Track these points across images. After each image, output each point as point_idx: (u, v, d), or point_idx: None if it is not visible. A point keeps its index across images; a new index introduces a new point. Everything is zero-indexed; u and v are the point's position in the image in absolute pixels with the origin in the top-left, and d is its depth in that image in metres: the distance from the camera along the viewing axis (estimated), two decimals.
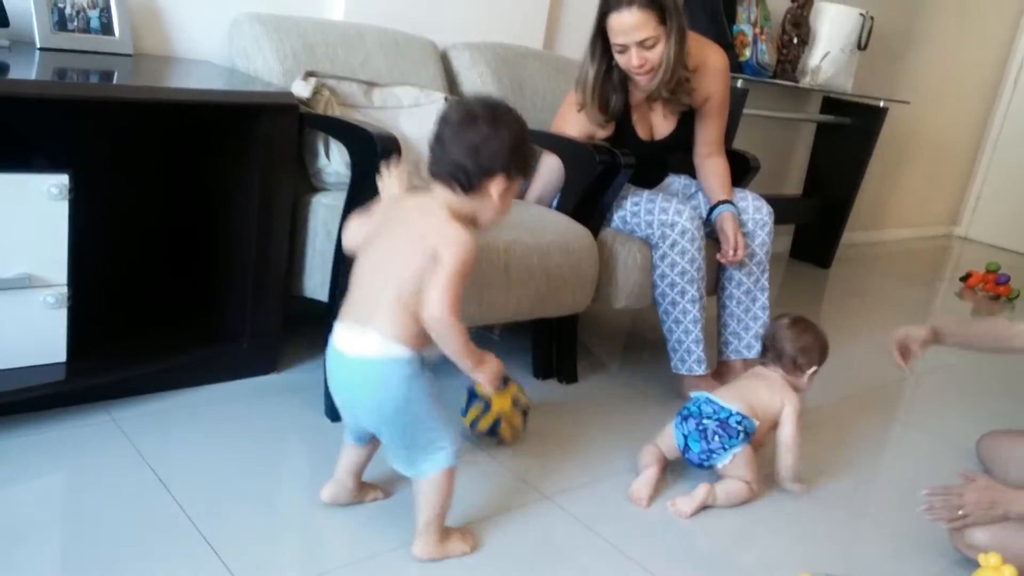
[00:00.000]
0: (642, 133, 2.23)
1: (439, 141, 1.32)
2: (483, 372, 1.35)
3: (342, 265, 1.75)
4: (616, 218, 2.20)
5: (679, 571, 1.47)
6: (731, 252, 2.13)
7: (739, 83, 3.21)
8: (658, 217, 2.10)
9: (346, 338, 1.32)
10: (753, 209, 2.25)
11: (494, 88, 2.41)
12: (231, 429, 1.70)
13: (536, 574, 1.41)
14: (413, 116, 2.11)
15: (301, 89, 1.90)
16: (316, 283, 1.89)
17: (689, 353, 2.14)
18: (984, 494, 1.55)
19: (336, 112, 1.95)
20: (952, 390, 2.60)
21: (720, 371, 2.25)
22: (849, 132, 3.96)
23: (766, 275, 2.25)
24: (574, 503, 1.64)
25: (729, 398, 1.77)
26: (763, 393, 1.80)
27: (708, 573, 1.50)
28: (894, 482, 2.01)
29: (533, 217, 2.02)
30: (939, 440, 2.26)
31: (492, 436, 1.77)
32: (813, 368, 1.84)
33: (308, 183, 1.98)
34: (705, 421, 1.74)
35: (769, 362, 1.87)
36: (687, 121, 2.26)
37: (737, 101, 3.19)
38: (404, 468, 1.38)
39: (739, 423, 1.72)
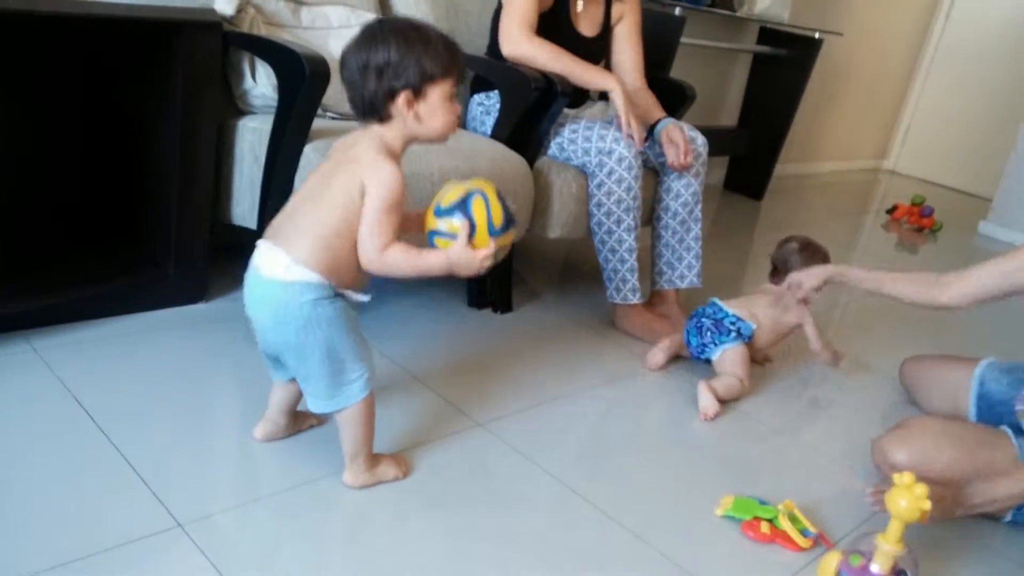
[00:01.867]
0: (576, 25, 2.23)
1: (343, 84, 1.29)
2: (461, 268, 1.29)
3: (271, 191, 1.70)
4: (553, 145, 2.18)
5: (612, 495, 1.52)
6: (683, 156, 2.14)
7: (677, 11, 3.18)
8: (595, 145, 2.09)
9: (262, 258, 1.28)
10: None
11: (427, 10, 2.33)
12: (158, 359, 1.67)
13: (469, 499, 1.43)
14: (343, 37, 2.02)
15: (225, 5, 1.81)
16: (244, 210, 1.84)
17: (624, 282, 2.16)
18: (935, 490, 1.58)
19: (262, 31, 1.87)
20: (874, 318, 2.70)
21: (653, 301, 2.29)
22: (784, 63, 3.99)
23: (699, 206, 2.27)
24: (507, 430, 1.66)
25: (732, 304, 2.04)
26: (769, 306, 2.05)
27: (639, 495, 1.54)
28: (820, 408, 2.10)
29: (466, 145, 1.98)
30: (863, 367, 2.35)
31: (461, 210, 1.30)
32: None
33: (234, 106, 1.90)
34: (703, 319, 2.01)
35: (779, 283, 2.07)
36: (607, 33, 2.30)
37: (674, 29, 3.17)
38: (315, 404, 1.32)
39: (733, 324, 1.99)
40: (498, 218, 1.29)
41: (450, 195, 1.29)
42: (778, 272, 2.12)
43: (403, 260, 1.26)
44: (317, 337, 1.26)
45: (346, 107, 1.98)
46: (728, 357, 1.98)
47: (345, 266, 1.27)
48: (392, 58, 1.23)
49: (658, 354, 2.06)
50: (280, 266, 1.24)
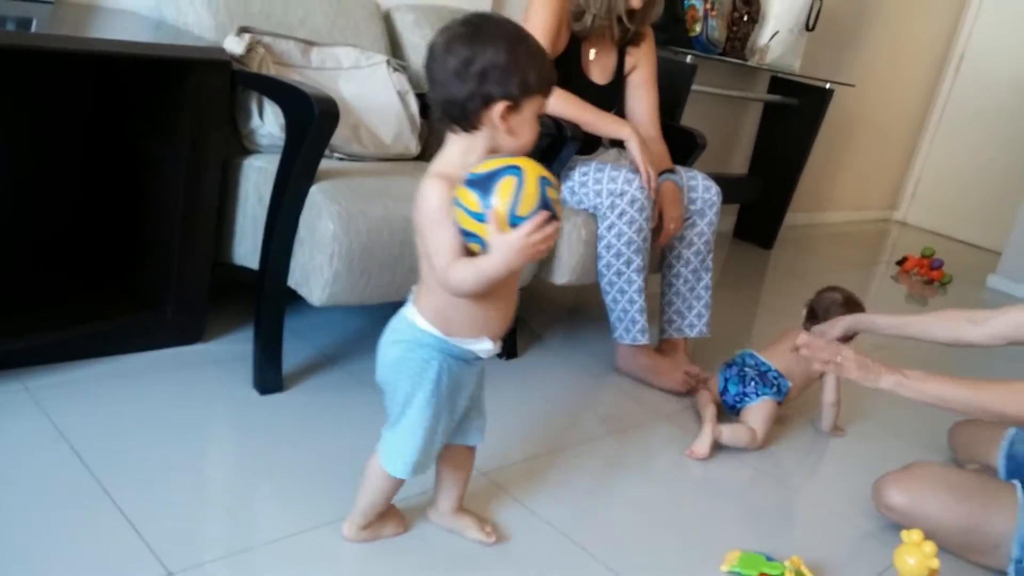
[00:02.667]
0: (588, 72, 2.23)
1: (428, 79, 1.15)
2: (511, 258, 1.08)
3: (275, 232, 1.67)
4: (564, 189, 2.16)
5: (616, 549, 1.46)
6: (670, 226, 2.11)
7: (688, 59, 3.19)
8: (607, 186, 2.07)
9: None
10: (703, 188, 2.24)
11: None
12: (153, 400, 1.62)
13: (469, 552, 1.38)
14: (353, 78, 2.03)
15: (234, 45, 1.81)
16: (247, 250, 1.81)
17: (633, 323, 2.12)
18: (862, 357, 1.66)
19: (271, 71, 1.86)
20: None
21: (662, 349, 2.24)
22: (795, 113, 3.99)
23: (711, 255, 2.24)
24: (511, 480, 1.61)
25: (771, 357, 2.03)
26: (802, 359, 1.94)
27: (643, 550, 1.48)
28: (831, 461, 2.03)
29: None
30: (879, 425, 2.29)
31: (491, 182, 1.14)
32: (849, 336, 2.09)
33: (240, 145, 1.88)
34: (746, 369, 2.01)
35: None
36: (619, 81, 2.30)
37: (685, 77, 3.17)
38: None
39: (776, 379, 1.99)
40: (527, 205, 1.07)
41: (484, 166, 1.10)
42: (815, 319, 2.16)
43: (467, 273, 1.12)
44: (392, 381, 1.23)
45: (354, 148, 1.99)
46: (761, 410, 1.97)
47: (450, 306, 1.18)
48: (499, 61, 1.09)
49: (703, 446, 1.86)
50: (409, 303, 1.24)
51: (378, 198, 1.69)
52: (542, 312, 2.63)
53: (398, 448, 1.25)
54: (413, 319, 1.20)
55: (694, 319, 2.23)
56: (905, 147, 5.68)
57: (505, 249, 1.07)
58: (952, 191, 5.65)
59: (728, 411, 2.04)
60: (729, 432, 1.90)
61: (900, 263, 4.31)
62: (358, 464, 1.53)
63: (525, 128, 1.16)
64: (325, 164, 1.78)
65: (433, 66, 1.13)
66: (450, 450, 1.34)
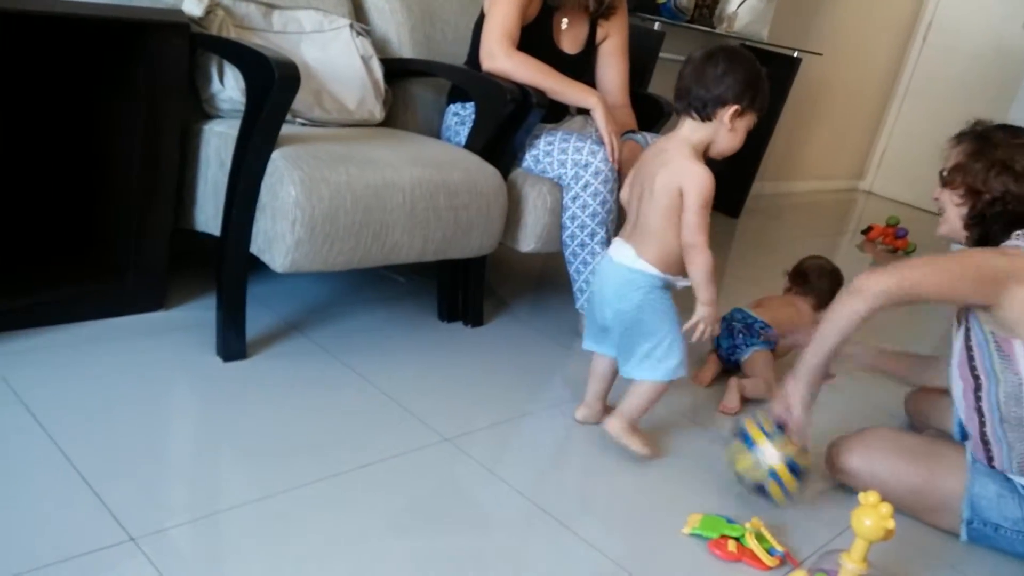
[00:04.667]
0: (559, 42, 2.23)
1: (682, 79, 1.59)
2: (708, 309, 1.59)
3: (236, 198, 1.66)
4: (528, 157, 2.15)
5: (579, 512, 1.48)
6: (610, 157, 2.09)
7: (656, 26, 3.18)
8: (572, 157, 2.07)
9: (615, 250, 1.66)
10: None
11: (403, 18, 2.31)
12: (114, 367, 1.61)
13: (434, 517, 1.39)
14: (315, 42, 2.01)
15: (193, 7, 1.77)
16: (208, 216, 1.80)
17: None
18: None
19: (231, 34, 1.83)
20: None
21: None
22: None
23: None
24: (475, 445, 1.62)
25: (758, 311, 2.19)
26: (791, 314, 2.21)
27: (607, 514, 1.51)
28: None
29: (440, 155, 1.95)
30: (836, 392, 2.34)
31: (760, 493, 1.59)
32: (828, 294, 2.28)
33: (201, 109, 1.86)
34: (733, 323, 2.15)
35: (800, 294, 2.30)
36: (590, 51, 2.31)
37: (653, 44, 3.16)
38: (624, 369, 1.66)
39: (762, 328, 2.12)
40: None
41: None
42: (801, 283, 2.31)
43: (707, 255, 1.56)
44: (644, 318, 1.60)
45: (317, 114, 1.97)
46: (760, 359, 2.11)
47: (672, 255, 1.60)
48: (740, 76, 1.55)
49: (706, 374, 2.13)
50: (628, 257, 1.62)
51: (341, 164, 1.68)
52: (510, 280, 2.64)
53: (671, 359, 1.62)
54: (643, 268, 1.61)
55: None
56: (872, 117, 5.73)
57: (713, 306, 1.60)
58: (917, 161, 5.71)
59: (728, 365, 2.17)
60: (750, 385, 2.05)
61: (865, 232, 4.37)
62: (322, 429, 1.55)
63: (738, 134, 1.60)
64: (287, 129, 1.77)
65: (690, 71, 1.58)
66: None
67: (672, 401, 1.94)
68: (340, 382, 1.74)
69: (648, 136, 2.26)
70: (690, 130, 1.60)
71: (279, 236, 1.61)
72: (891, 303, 1.47)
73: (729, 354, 2.15)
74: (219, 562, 1.20)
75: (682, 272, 1.62)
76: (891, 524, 1.21)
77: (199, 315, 1.84)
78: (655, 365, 1.63)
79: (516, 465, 1.60)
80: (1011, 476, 1.57)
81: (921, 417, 2.05)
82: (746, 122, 1.60)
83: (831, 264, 2.38)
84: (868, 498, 1.23)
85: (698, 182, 1.54)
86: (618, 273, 1.63)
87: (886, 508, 1.22)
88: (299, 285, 2.17)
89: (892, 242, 4.24)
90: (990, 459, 1.59)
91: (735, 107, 1.56)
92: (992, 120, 1.67)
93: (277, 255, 1.63)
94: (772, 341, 2.15)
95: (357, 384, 1.75)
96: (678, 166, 1.56)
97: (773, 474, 1.54)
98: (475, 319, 2.18)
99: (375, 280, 2.31)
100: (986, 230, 1.60)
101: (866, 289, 1.47)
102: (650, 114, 2.49)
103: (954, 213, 1.63)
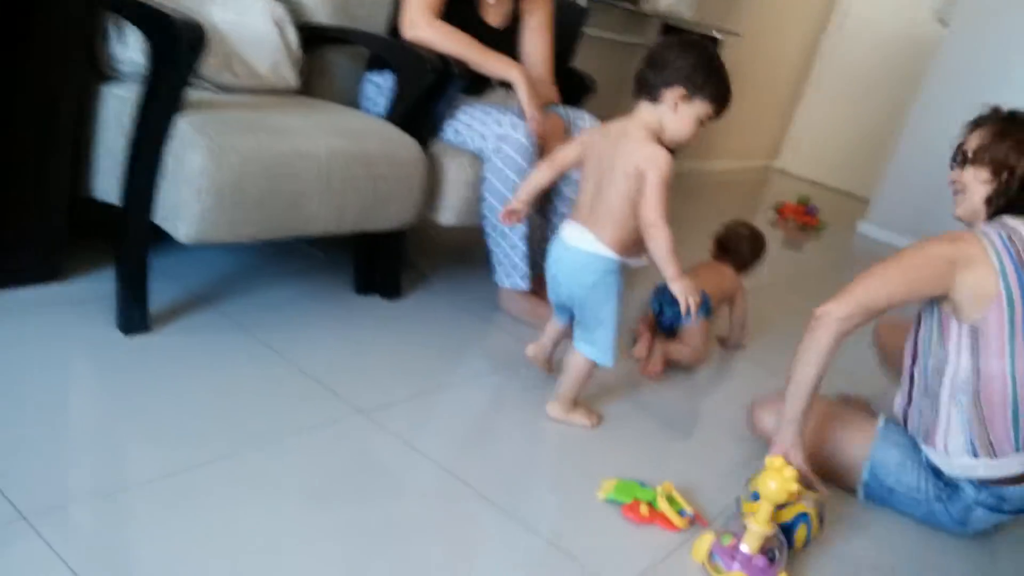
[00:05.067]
0: (484, 15, 2.20)
1: (641, 63, 1.63)
2: (681, 283, 1.59)
3: (137, 165, 1.59)
4: (448, 130, 2.13)
5: (497, 482, 1.49)
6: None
7: (582, 1, 3.17)
8: (493, 130, 2.05)
9: (570, 233, 1.67)
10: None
11: None
12: (7, 341, 1.53)
13: (348, 490, 1.37)
14: (226, 5, 1.92)
15: None
16: (108, 184, 1.71)
17: (515, 268, 2.13)
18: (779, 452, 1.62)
19: None
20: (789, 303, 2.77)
21: (538, 286, 2.26)
22: None
23: None
24: (391, 418, 1.61)
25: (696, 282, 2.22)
26: (718, 280, 2.31)
27: (524, 482, 1.52)
28: (704, 393, 2.13)
29: (357, 125, 1.91)
30: (756, 364, 2.40)
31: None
32: (751, 259, 2.44)
33: (99, 71, 1.76)
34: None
35: (725, 260, 2.40)
36: (515, 26, 2.28)
37: (577, 19, 3.16)
38: (576, 344, 1.72)
39: (706, 299, 2.12)
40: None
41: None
42: (725, 252, 2.41)
43: (667, 235, 1.58)
44: (596, 297, 1.65)
45: (226, 79, 1.90)
46: (700, 329, 2.18)
47: (630, 237, 1.63)
48: (690, 62, 1.58)
49: (642, 350, 2.12)
50: (584, 241, 1.64)
51: (251, 132, 1.62)
52: (431, 253, 2.61)
53: (605, 345, 1.68)
54: (601, 251, 1.63)
55: None
56: (787, 98, 5.89)
57: (681, 281, 1.60)
58: (829, 141, 5.91)
59: (663, 331, 2.18)
60: (675, 350, 2.13)
61: (777, 209, 4.50)
62: (230, 404, 1.51)
63: (687, 121, 1.60)
64: (194, 95, 1.70)
65: (647, 57, 1.63)
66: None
67: None
68: (250, 356, 1.70)
69: (571, 111, 2.26)
70: (646, 112, 1.62)
71: (184, 205, 1.55)
72: (855, 325, 1.53)
73: (672, 321, 2.17)
74: (122, 541, 1.16)
75: (637, 253, 1.66)
76: (794, 487, 1.25)
77: (99, 287, 1.75)
78: (593, 345, 1.69)
79: (434, 437, 1.59)
80: (921, 446, 1.65)
81: (886, 351, 2.03)
82: (695, 109, 1.60)
83: (748, 228, 2.48)
84: (774, 462, 1.28)
85: (658, 163, 1.56)
86: (574, 257, 1.66)
87: (790, 472, 1.26)
88: (210, 257, 2.09)
89: (803, 219, 4.37)
90: (906, 421, 1.68)
91: (680, 89, 1.58)
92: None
93: (182, 225, 1.57)
94: (710, 310, 2.20)
95: (268, 357, 1.70)
96: (638, 148, 1.59)
97: (804, 517, 1.45)
98: (392, 292, 2.15)
99: (291, 252, 2.26)
100: (1010, 205, 1.58)
101: (826, 317, 1.52)
102: (574, 89, 2.49)
103: (978, 192, 1.61)
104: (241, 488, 1.31)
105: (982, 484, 1.59)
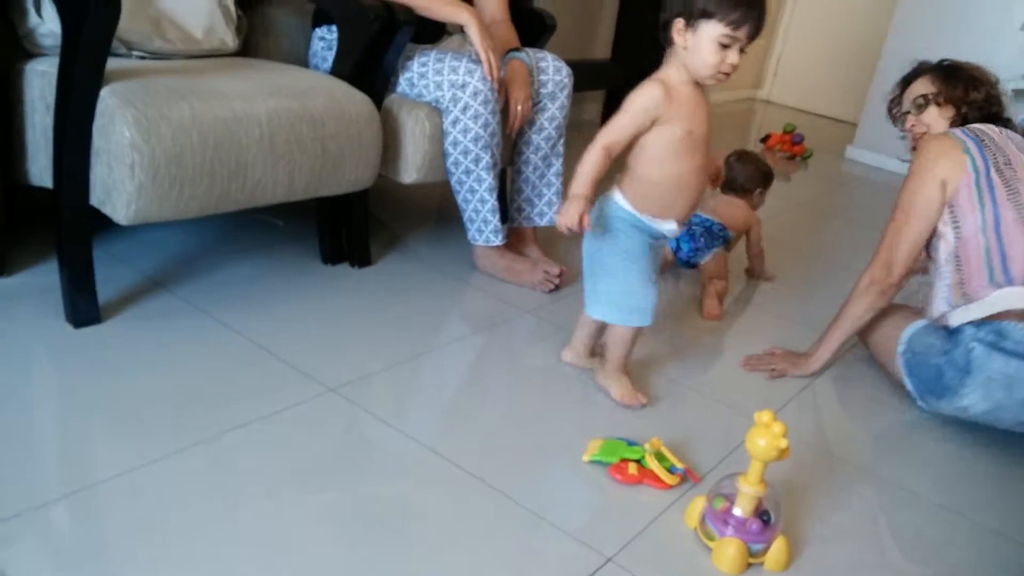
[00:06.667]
0: None
1: None
2: (570, 203, 1.42)
3: (65, 144, 1.47)
4: (402, 81, 2.01)
5: (479, 453, 1.41)
6: (516, 107, 2.00)
7: None
8: (448, 78, 1.93)
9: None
10: (553, 70, 2.12)
11: None
12: None
13: (320, 473, 1.29)
14: None
15: None
16: (41, 167, 1.60)
17: (486, 223, 2.03)
18: (788, 356, 1.91)
19: None
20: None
21: (512, 240, 2.17)
22: None
23: (563, 140, 2.16)
24: (364, 394, 1.52)
25: (710, 214, 2.29)
26: (734, 211, 2.33)
27: (506, 451, 1.44)
28: (687, 345, 2.04)
29: (301, 83, 1.78)
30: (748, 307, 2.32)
31: None
32: (758, 190, 2.43)
33: (20, 47, 1.64)
34: (694, 227, 2.24)
35: (731, 192, 2.39)
36: None
37: None
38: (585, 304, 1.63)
39: (721, 231, 2.25)
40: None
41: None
42: (733, 188, 2.40)
43: (589, 157, 1.46)
44: (593, 246, 1.56)
45: (158, 45, 1.77)
46: (720, 261, 2.23)
47: (645, 188, 1.50)
48: None
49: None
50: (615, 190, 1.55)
51: (183, 99, 1.50)
52: (403, 214, 2.51)
53: (607, 298, 1.57)
54: (609, 192, 1.54)
55: (544, 207, 2.16)
56: (767, 25, 5.71)
57: (566, 204, 1.43)
58: (811, 67, 5.75)
59: (681, 266, 2.28)
60: (722, 289, 2.18)
61: (764, 140, 4.37)
62: (192, 391, 1.43)
63: (700, 51, 1.41)
64: (121, 64, 1.59)
65: None
66: None
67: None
68: (211, 339, 1.61)
69: (533, 53, 2.13)
70: (666, 64, 1.48)
71: (118, 184, 1.44)
72: (905, 280, 1.82)
73: (690, 256, 2.25)
74: (95, 540, 1.08)
75: (660, 214, 1.52)
76: (784, 443, 1.17)
77: (44, 280, 1.65)
78: (597, 302, 1.60)
79: (411, 411, 1.51)
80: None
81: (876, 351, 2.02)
82: (705, 34, 1.39)
83: (754, 159, 2.47)
84: (762, 417, 1.19)
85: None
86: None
87: (779, 428, 1.17)
88: (162, 237, 1.99)
89: (790, 148, 4.25)
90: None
91: (679, 21, 1.41)
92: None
93: (119, 205, 1.46)
94: (728, 242, 2.28)
95: (230, 339, 1.61)
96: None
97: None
98: (362, 259, 2.05)
99: (250, 225, 2.15)
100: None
101: (875, 286, 1.79)
102: (533, 29, 2.36)
103: (942, 129, 1.87)
104: (209, 478, 1.24)
105: (981, 323, 1.66)
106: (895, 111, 2.00)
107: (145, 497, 1.17)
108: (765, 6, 1.42)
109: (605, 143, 1.46)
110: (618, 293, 1.56)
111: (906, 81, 1.98)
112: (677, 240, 2.17)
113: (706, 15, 1.39)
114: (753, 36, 1.42)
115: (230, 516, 1.17)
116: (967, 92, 1.89)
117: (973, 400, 1.64)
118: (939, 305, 1.77)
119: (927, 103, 1.90)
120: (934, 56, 1.97)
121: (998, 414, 1.64)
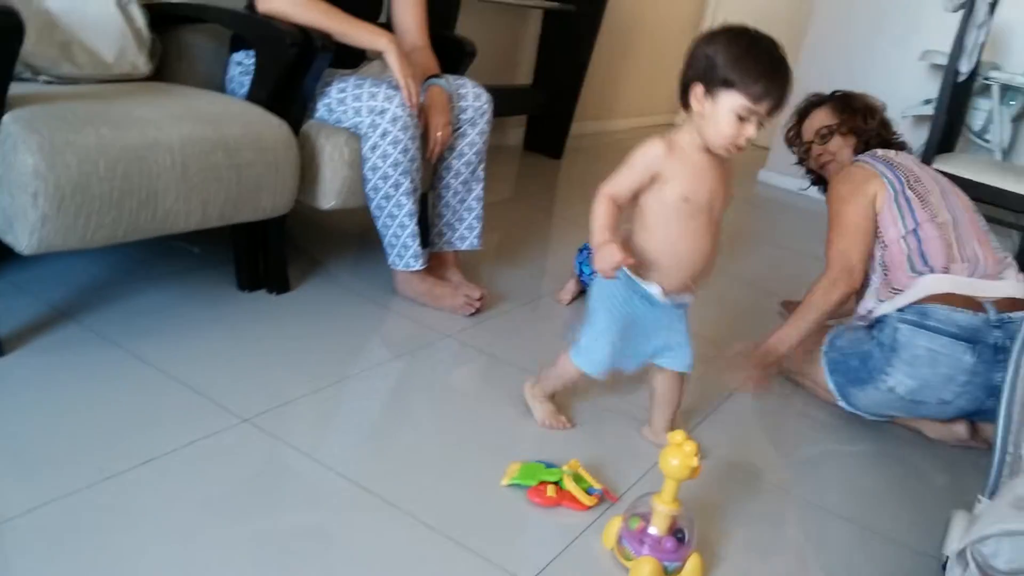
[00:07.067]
0: None
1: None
2: (598, 253, 1.38)
3: None
4: (320, 107, 2.00)
5: (397, 481, 1.40)
6: (436, 133, 2.02)
7: None
8: (367, 104, 1.93)
9: None
10: (473, 96, 2.15)
11: None
12: None
13: (230, 509, 1.27)
14: None
15: None
16: None
17: (406, 248, 2.04)
18: (756, 356, 1.87)
19: None
20: None
21: (433, 264, 2.17)
22: (573, 20, 3.98)
23: (483, 165, 2.18)
24: (279, 423, 1.50)
25: None
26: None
27: (425, 477, 1.44)
28: None
29: (217, 109, 1.76)
30: None
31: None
32: None
33: None
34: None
35: None
36: None
37: None
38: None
39: None
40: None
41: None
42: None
43: (599, 206, 1.43)
44: (591, 295, 1.55)
45: (66, 69, 1.73)
46: None
47: (638, 245, 1.46)
48: (709, 53, 1.35)
49: (565, 295, 2.26)
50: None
51: (90, 125, 1.47)
52: (323, 238, 2.49)
53: (582, 345, 1.55)
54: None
55: (465, 231, 2.18)
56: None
57: (598, 252, 1.38)
58: None
59: (586, 288, 2.25)
60: None
61: None
62: (98, 425, 1.39)
63: (719, 120, 1.35)
64: (26, 88, 1.55)
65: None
66: (657, 373, 1.62)
67: (498, 346, 1.89)
68: (118, 371, 1.56)
69: (453, 79, 2.15)
70: (681, 126, 1.44)
71: (20, 213, 1.40)
72: (856, 283, 1.87)
73: (591, 280, 2.28)
74: (38, 558, 1.04)
75: (646, 277, 1.48)
76: (695, 462, 1.21)
77: None
78: (576, 343, 1.57)
79: (328, 439, 1.50)
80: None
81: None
82: (728, 103, 1.33)
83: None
84: (675, 437, 1.23)
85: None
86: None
87: (691, 447, 1.21)
88: (72, 265, 1.92)
89: None
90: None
91: (699, 87, 1.35)
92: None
93: (21, 235, 1.41)
94: None
95: (140, 370, 1.57)
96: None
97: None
98: (280, 285, 2.02)
99: (164, 252, 2.10)
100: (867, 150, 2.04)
101: (834, 289, 1.84)
102: (453, 57, 2.38)
103: (847, 155, 2.06)
104: (114, 516, 1.19)
105: (906, 307, 1.77)
106: (796, 141, 2.17)
107: (39, 541, 1.12)
108: (790, 79, 1.36)
109: (608, 191, 1.44)
110: (589, 335, 1.54)
111: (802, 113, 2.15)
112: (580, 263, 2.25)
113: (727, 84, 1.33)
114: (774, 111, 1.36)
115: (140, 553, 1.14)
116: (866, 120, 2.07)
117: (899, 378, 1.73)
118: (867, 303, 1.89)
119: (831, 133, 2.08)
120: (842, 86, 2.13)
121: (923, 393, 1.73)
